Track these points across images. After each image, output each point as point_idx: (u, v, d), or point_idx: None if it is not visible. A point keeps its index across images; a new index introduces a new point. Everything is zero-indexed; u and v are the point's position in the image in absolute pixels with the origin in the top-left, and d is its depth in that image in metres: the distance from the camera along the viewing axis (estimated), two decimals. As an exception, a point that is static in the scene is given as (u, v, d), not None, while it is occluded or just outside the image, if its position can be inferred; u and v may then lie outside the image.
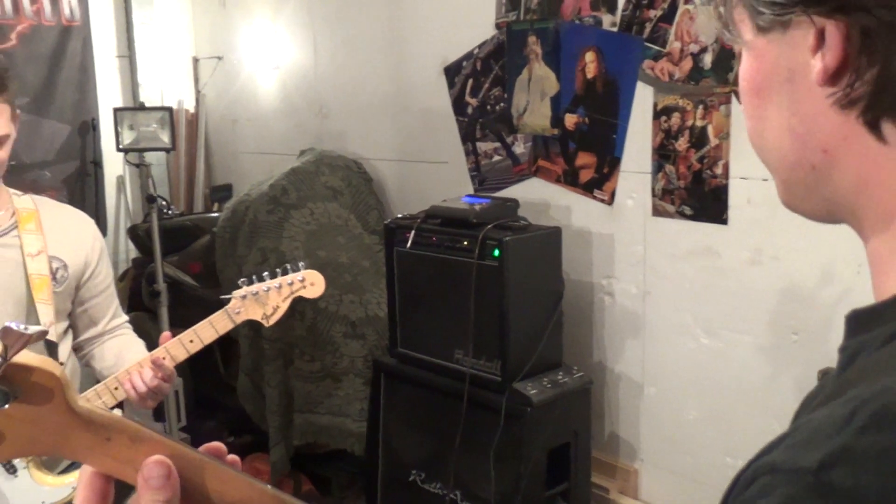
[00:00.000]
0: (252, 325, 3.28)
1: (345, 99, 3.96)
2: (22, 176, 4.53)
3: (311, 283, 1.85)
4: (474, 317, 2.56)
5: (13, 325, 0.60)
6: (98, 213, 4.77)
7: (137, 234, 4.22)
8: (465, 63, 3.29)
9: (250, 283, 1.80)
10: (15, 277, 1.75)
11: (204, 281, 3.60)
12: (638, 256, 2.81)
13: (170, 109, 3.00)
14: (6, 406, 0.61)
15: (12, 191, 1.84)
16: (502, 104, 3.17)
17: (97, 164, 4.76)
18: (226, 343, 3.80)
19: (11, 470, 1.71)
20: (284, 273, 1.83)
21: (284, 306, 1.83)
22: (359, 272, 3.27)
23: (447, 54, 3.36)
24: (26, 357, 0.61)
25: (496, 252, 2.50)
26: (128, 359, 1.85)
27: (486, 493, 2.57)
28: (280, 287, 1.81)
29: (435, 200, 3.20)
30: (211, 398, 3.70)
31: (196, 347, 1.78)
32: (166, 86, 4.97)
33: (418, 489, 2.85)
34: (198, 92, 5.04)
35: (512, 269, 2.50)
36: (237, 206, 3.44)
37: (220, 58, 4.82)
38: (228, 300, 1.79)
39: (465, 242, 2.60)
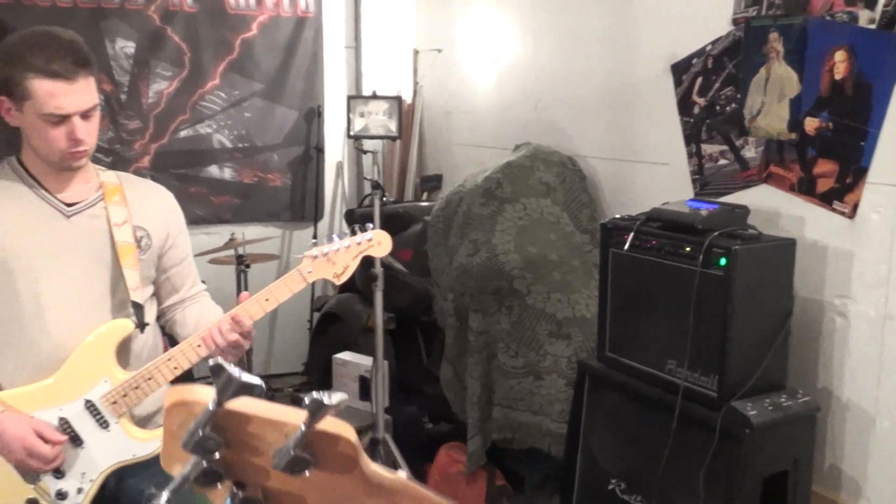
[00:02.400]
0: (460, 317, 3.32)
1: (562, 94, 3.91)
2: (253, 157, 4.86)
3: (378, 243, 1.91)
4: (693, 327, 2.43)
5: (317, 395, 0.61)
6: (317, 196, 5.03)
7: (353, 218, 4.39)
8: (695, 60, 3.13)
9: (321, 244, 1.87)
10: (104, 245, 1.86)
11: (414, 268, 3.68)
12: (881, 277, 2.55)
13: (399, 99, 3.07)
14: (306, 473, 0.62)
15: (97, 167, 1.94)
16: (734, 105, 2.99)
17: (319, 149, 5.01)
18: (429, 332, 3.88)
19: (104, 424, 1.80)
20: (353, 234, 1.89)
21: (354, 265, 1.89)
22: (568, 271, 3.21)
23: (676, 50, 3.21)
24: (328, 424, 0.61)
25: (722, 261, 2.36)
26: (208, 321, 1.93)
27: (692, 513, 2.44)
28: (349, 247, 1.88)
29: (651, 202, 3.07)
30: (412, 384, 3.78)
31: (271, 306, 1.85)
32: (387, 76, 5.13)
33: (617, 499, 2.76)
34: (416, 83, 5.17)
35: (739, 281, 2.34)
36: (451, 196, 3.48)
37: (439, 50, 4.91)
38: (300, 260, 1.87)
39: (688, 249, 2.47)
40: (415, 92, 5.16)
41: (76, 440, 1.79)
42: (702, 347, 2.45)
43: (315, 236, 4.97)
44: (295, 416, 0.66)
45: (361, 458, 0.63)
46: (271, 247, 4.87)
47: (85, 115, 1.76)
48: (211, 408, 0.65)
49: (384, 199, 4.74)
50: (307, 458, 0.64)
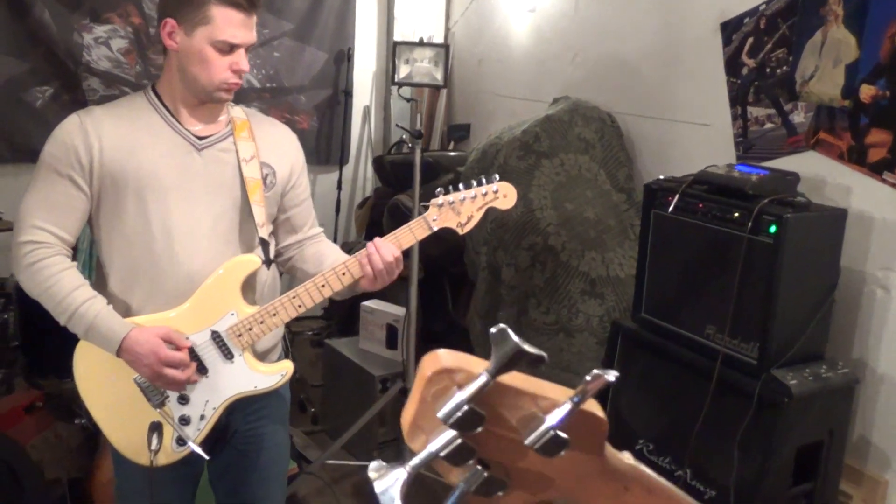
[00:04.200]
0: (492, 271, 3.30)
1: (603, 47, 3.82)
2: (281, 98, 4.78)
3: (503, 195, 1.90)
4: (736, 294, 2.41)
5: (599, 371, 0.58)
6: (343, 141, 4.96)
7: (382, 165, 4.34)
8: (746, 20, 3.05)
9: (447, 192, 1.85)
10: (233, 180, 1.85)
11: (444, 219, 3.64)
12: (928, 251, 2.52)
13: (447, 47, 2.99)
14: (562, 454, 0.59)
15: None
16: (785, 68, 2.92)
17: (348, 93, 4.94)
18: (457, 283, 3.86)
19: (228, 355, 1.82)
20: (479, 184, 1.87)
21: (478, 216, 1.88)
22: (603, 229, 3.17)
23: (727, 8, 3.13)
24: (590, 403, 0.58)
25: (773, 228, 2.32)
26: (331, 260, 1.92)
27: (723, 478, 2.45)
28: (475, 197, 1.86)
29: (690, 163, 3.02)
30: (437, 334, 3.77)
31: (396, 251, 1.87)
32: (419, 20, 5.03)
33: (644, 459, 2.77)
34: (447, 29, 5.07)
35: (788, 249, 2.31)
36: (487, 148, 3.43)
37: (474, -4, 4.80)
38: (427, 208, 1.86)
39: (737, 214, 2.43)
40: (446, 38, 5.06)
41: (201, 369, 1.81)
42: (744, 314, 2.43)
43: (340, 181, 4.92)
44: (556, 392, 0.62)
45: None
46: (296, 190, 4.82)
47: (247, 51, 1.80)
48: (484, 379, 0.60)
49: (411, 146, 4.69)
50: (566, 439, 0.60)
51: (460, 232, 1.88)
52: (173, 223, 1.80)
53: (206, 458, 1.84)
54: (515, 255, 3.16)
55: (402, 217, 3.71)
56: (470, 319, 3.47)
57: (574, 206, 3.18)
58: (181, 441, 1.83)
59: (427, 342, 3.79)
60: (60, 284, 1.75)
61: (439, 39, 5.03)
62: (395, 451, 3.45)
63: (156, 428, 1.80)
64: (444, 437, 0.62)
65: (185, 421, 1.84)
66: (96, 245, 1.86)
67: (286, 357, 2.00)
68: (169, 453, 1.84)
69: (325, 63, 4.88)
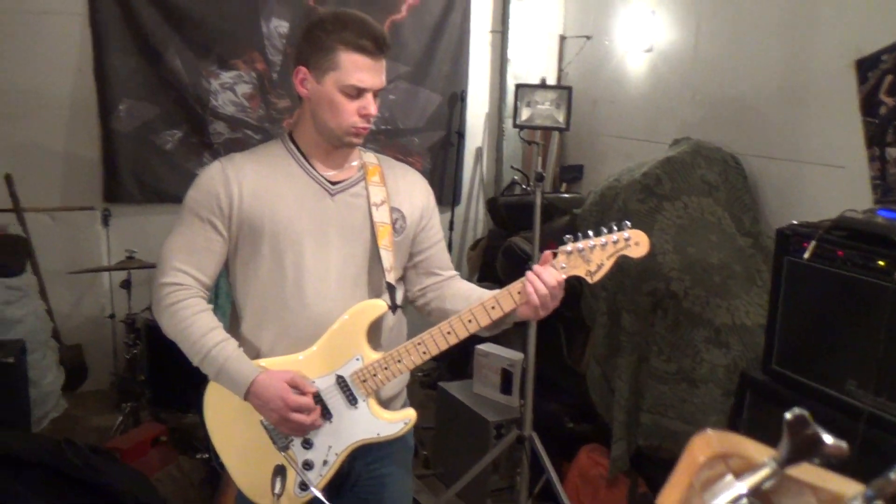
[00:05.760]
0: (612, 316, 3.21)
1: (725, 86, 3.71)
2: (395, 140, 4.86)
3: (635, 243, 1.79)
4: (883, 347, 2.25)
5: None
6: (456, 182, 4.99)
7: (496, 207, 4.33)
8: (884, 57, 2.90)
9: (576, 239, 1.78)
10: (363, 225, 1.86)
11: (559, 262, 3.58)
12: None
13: (569, 89, 2.96)
14: None
15: (359, 147, 1.95)
16: (929, 106, 2.75)
17: (461, 134, 4.97)
18: (571, 327, 3.78)
19: (352, 401, 1.82)
20: (610, 231, 1.78)
21: (609, 264, 1.79)
22: (729, 276, 3.04)
23: (862, 45, 2.98)
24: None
25: (923, 278, 2.17)
26: (477, 295, 1.88)
27: (868, 546, 2.27)
28: (605, 245, 1.78)
29: (821, 207, 2.87)
30: (552, 380, 3.69)
31: (523, 299, 1.79)
32: (532, 63, 5.03)
33: (775, 521, 2.61)
34: (560, 70, 5.05)
35: (941, 301, 2.15)
36: (606, 191, 3.36)
37: (588, 37, 4.77)
38: (555, 255, 1.79)
39: (881, 262, 2.28)
40: (559, 79, 5.04)
41: (326, 414, 1.83)
42: (891, 370, 2.26)
43: (452, 221, 4.93)
44: (840, 484, 0.58)
45: None
46: (408, 230, 4.86)
47: (375, 95, 1.83)
48: (768, 469, 0.56)
49: (526, 188, 4.67)
50: None
51: (590, 280, 1.80)
52: (305, 267, 1.82)
53: None
54: (636, 301, 3.06)
55: (516, 259, 3.67)
56: (587, 365, 3.38)
57: (697, 251, 3.06)
58: (304, 486, 1.83)
59: (542, 387, 3.71)
60: (195, 326, 1.79)
61: (552, 81, 5.01)
62: (508, 500, 3.37)
63: (280, 471, 1.80)
64: None
65: (308, 465, 1.84)
66: (232, 288, 1.90)
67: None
68: (292, 498, 1.83)
69: (438, 105, 4.93)
